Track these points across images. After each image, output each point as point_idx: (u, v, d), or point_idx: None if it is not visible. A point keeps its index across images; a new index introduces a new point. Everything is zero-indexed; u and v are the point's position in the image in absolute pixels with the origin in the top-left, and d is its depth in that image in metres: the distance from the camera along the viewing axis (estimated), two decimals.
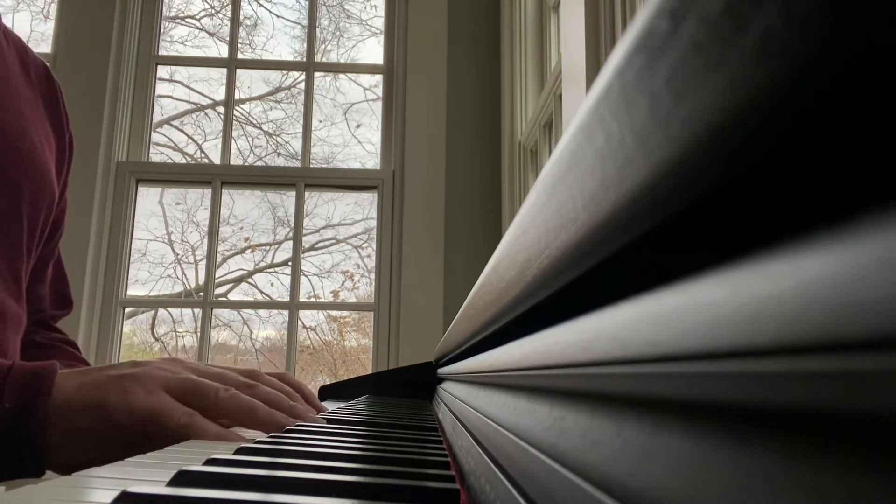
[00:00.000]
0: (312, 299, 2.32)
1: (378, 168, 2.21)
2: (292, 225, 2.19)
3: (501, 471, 0.22)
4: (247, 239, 2.37)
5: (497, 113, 2.10)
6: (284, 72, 2.43)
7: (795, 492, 0.07)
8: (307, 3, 2.38)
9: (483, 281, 0.34)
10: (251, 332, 2.49)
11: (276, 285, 2.42)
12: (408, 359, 1.88)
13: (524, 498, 0.18)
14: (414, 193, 2.06)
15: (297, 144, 2.35)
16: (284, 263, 2.37)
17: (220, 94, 2.35)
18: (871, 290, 0.06)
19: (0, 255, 0.63)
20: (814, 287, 0.07)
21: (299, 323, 2.19)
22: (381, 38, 2.33)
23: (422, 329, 1.97)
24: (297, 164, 2.28)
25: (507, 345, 0.30)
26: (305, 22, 2.37)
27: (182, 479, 0.26)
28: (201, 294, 2.18)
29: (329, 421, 0.57)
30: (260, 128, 2.43)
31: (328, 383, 1.15)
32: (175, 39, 2.41)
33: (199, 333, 2.11)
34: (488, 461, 0.25)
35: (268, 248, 2.42)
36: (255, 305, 2.46)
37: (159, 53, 2.27)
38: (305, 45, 2.35)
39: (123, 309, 2.08)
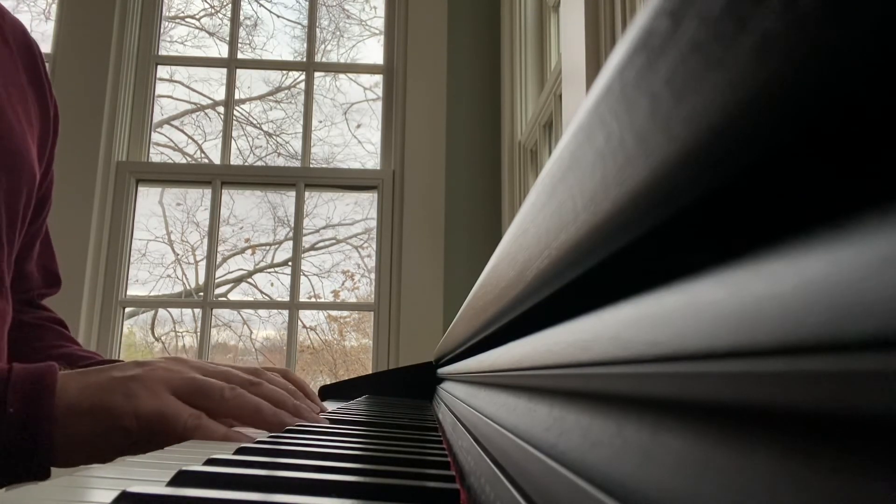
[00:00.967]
0: (312, 299, 2.32)
1: (378, 168, 2.21)
2: (292, 225, 2.19)
3: (501, 471, 0.22)
4: (247, 240, 2.37)
5: (497, 113, 2.10)
6: (284, 72, 2.43)
7: (795, 492, 0.07)
8: (307, 3, 2.38)
9: (483, 281, 0.34)
10: (251, 332, 2.49)
11: (276, 285, 2.42)
12: (408, 359, 1.88)
13: (524, 498, 0.18)
14: (414, 193, 2.06)
15: (297, 144, 2.35)
16: (284, 263, 2.37)
17: (220, 94, 2.35)
18: (871, 290, 0.06)
19: None
20: (814, 287, 0.07)
21: (299, 323, 2.19)
22: (381, 38, 2.33)
23: (422, 329, 1.97)
24: (297, 164, 2.28)
25: (507, 345, 0.30)
26: (305, 22, 2.38)
27: (182, 479, 0.26)
28: (201, 294, 2.18)
29: (329, 421, 0.57)
30: (260, 128, 2.43)
31: (328, 383, 1.15)
32: (175, 39, 2.41)
33: (199, 333, 2.11)
34: (488, 461, 0.25)
35: (268, 248, 2.42)
36: (255, 305, 2.46)
37: (159, 53, 2.27)
38: (305, 45, 2.35)
39: (123, 309, 2.08)
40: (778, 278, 0.08)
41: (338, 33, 2.43)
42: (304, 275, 2.24)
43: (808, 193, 0.09)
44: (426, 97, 2.11)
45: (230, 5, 2.38)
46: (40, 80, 0.70)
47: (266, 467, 0.30)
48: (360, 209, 2.30)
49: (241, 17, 2.38)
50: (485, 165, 2.09)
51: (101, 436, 0.45)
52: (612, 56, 0.12)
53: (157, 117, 2.30)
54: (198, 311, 2.16)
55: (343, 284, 2.37)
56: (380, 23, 2.37)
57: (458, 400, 0.54)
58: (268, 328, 2.49)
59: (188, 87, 2.41)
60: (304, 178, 2.18)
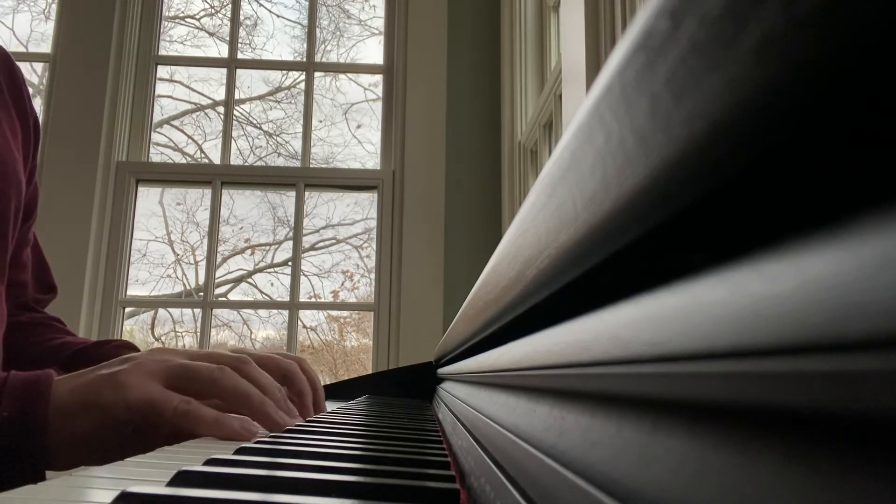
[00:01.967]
0: (312, 299, 2.32)
1: (378, 168, 2.21)
2: (292, 225, 2.19)
3: (501, 471, 0.22)
4: (247, 240, 2.37)
5: (497, 113, 2.10)
6: (284, 72, 2.43)
7: (795, 492, 0.07)
8: (307, 3, 2.38)
9: (483, 281, 0.34)
10: (251, 332, 2.49)
11: (276, 285, 2.42)
12: (408, 359, 1.88)
13: (524, 498, 0.18)
14: (414, 193, 2.06)
15: (297, 144, 2.35)
16: (284, 263, 2.37)
17: (220, 94, 2.35)
18: (871, 290, 0.06)
19: None
20: (814, 287, 0.07)
21: (299, 323, 2.19)
22: (381, 38, 2.33)
23: (422, 329, 1.97)
24: (297, 164, 2.28)
25: (507, 345, 0.30)
26: (305, 22, 2.37)
27: (182, 479, 0.26)
28: (201, 294, 2.18)
29: (329, 421, 0.57)
30: (260, 128, 2.43)
31: (328, 383, 1.15)
32: (175, 39, 2.41)
33: (199, 333, 2.11)
34: (488, 461, 0.25)
35: (268, 248, 2.42)
36: (255, 305, 2.46)
37: (159, 53, 2.27)
38: (305, 45, 2.35)
39: (123, 309, 2.08)
40: (778, 278, 0.08)
41: (338, 33, 2.43)
42: (304, 275, 2.24)
43: (808, 193, 0.09)
44: (426, 97, 2.11)
45: (230, 5, 2.38)
46: (21, 95, 0.72)
47: (266, 467, 0.30)
48: (360, 209, 2.30)
49: (241, 17, 2.38)
50: (485, 165, 2.09)
51: (95, 432, 0.46)
52: (612, 56, 0.12)
53: (157, 117, 2.30)
54: (198, 311, 2.16)
55: (343, 284, 2.37)
56: (380, 23, 2.37)
57: (458, 400, 0.54)
58: (268, 328, 2.49)
59: (188, 87, 2.42)
60: (304, 178, 2.18)
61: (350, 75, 2.40)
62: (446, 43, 2.14)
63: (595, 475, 0.13)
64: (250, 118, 2.42)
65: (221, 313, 2.40)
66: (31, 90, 0.75)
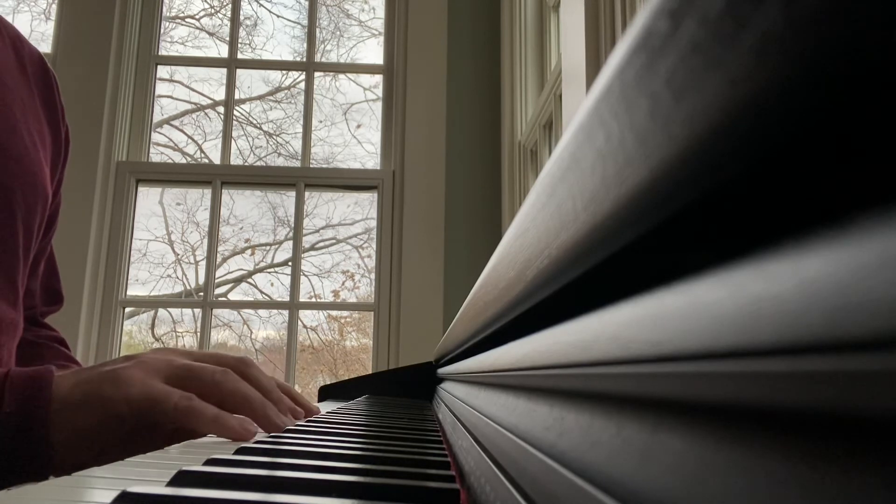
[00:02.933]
0: (312, 299, 2.32)
1: (378, 168, 2.21)
2: (292, 225, 2.19)
3: (501, 471, 0.22)
4: (247, 240, 2.37)
5: (497, 113, 2.10)
6: (284, 72, 2.43)
7: (795, 492, 0.07)
8: (307, 3, 2.38)
9: (483, 281, 0.34)
10: (251, 332, 2.49)
11: (276, 285, 2.42)
12: (408, 359, 1.88)
13: (524, 498, 0.18)
14: (414, 193, 2.06)
15: (297, 144, 2.35)
16: (284, 263, 2.37)
17: (220, 94, 2.35)
18: (871, 290, 0.06)
19: None
20: (814, 287, 0.07)
21: (299, 323, 2.19)
22: (381, 38, 2.33)
23: (422, 329, 1.97)
24: (297, 164, 2.28)
25: (507, 345, 0.30)
26: (305, 22, 2.38)
27: (182, 479, 0.26)
28: (201, 294, 2.18)
29: (329, 421, 0.57)
30: (260, 128, 2.43)
31: (328, 383, 1.15)
32: (175, 39, 2.41)
33: (199, 333, 2.11)
34: (488, 461, 0.25)
35: (268, 248, 2.42)
36: (255, 305, 2.46)
37: (159, 53, 2.27)
38: (305, 45, 2.35)
39: (123, 309, 2.08)
40: (778, 278, 0.08)
41: (337, 33, 2.43)
42: (304, 275, 2.24)
43: (808, 193, 0.09)
44: (426, 97, 2.11)
45: (230, 5, 2.38)
46: (54, 106, 0.74)
47: (266, 467, 0.30)
48: (360, 209, 2.30)
49: (241, 18, 2.38)
50: (485, 165, 2.09)
51: (96, 427, 0.46)
52: (612, 56, 0.12)
53: (157, 117, 2.30)
54: (198, 311, 2.16)
55: (343, 284, 2.37)
56: (379, 24, 2.37)
57: (458, 400, 0.54)
58: (268, 328, 2.49)
59: (188, 87, 2.42)
60: (304, 178, 2.18)
61: (350, 75, 2.40)
62: (446, 43, 2.14)
63: (595, 475, 0.13)
64: (250, 118, 2.42)
65: (221, 313, 2.40)
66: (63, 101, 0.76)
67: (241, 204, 2.31)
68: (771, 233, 0.09)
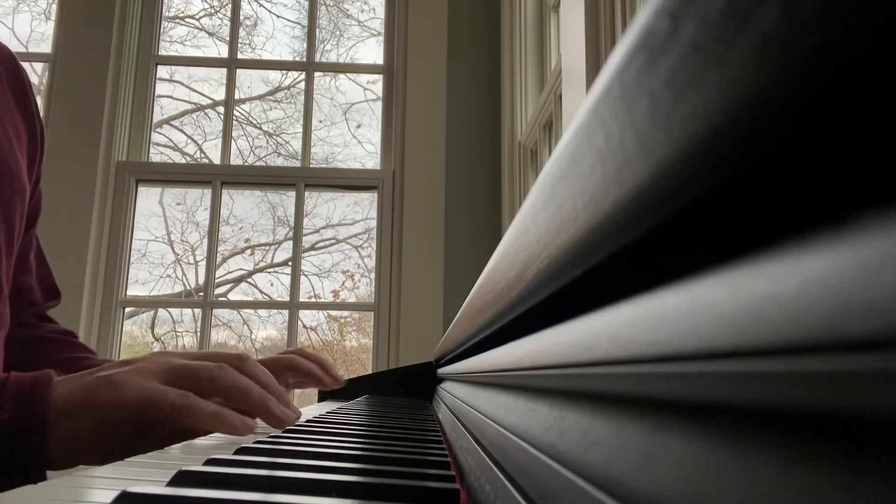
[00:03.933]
0: (312, 299, 2.32)
1: (378, 168, 2.21)
2: (292, 225, 2.19)
3: (501, 471, 0.22)
4: (247, 240, 2.37)
5: (497, 113, 2.10)
6: (284, 72, 2.43)
7: (795, 491, 0.07)
8: (307, 3, 2.38)
9: (483, 281, 0.34)
10: (251, 332, 2.49)
11: (276, 285, 2.42)
12: (408, 359, 1.88)
13: (524, 498, 0.18)
14: (414, 193, 2.06)
15: (296, 144, 2.35)
16: (284, 263, 2.37)
17: (220, 94, 2.35)
18: (871, 290, 0.06)
19: None
20: (814, 287, 0.07)
21: (299, 323, 2.19)
22: (381, 38, 2.33)
23: (422, 329, 1.97)
24: (297, 164, 2.28)
25: (507, 345, 0.30)
26: (305, 22, 2.37)
27: (182, 479, 0.26)
28: (201, 294, 2.18)
29: (329, 421, 0.57)
30: (260, 128, 2.43)
31: None
32: (175, 39, 2.41)
33: (199, 333, 2.11)
34: (488, 461, 0.25)
35: (268, 248, 2.42)
36: (255, 305, 2.46)
37: (159, 53, 2.27)
38: (305, 45, 2.35)
39: (123, 309, 2.08)
40: (778, 278, 0.08)
41: (337, 33, 2.43)
42: (304, 275, 2.24)
43: (808, 193, 0.09)
44: (426, 97, 2.11)
45: (230, 5, 2.38)
46: (27, 102, 0.74)
47: (266, 467, 0.30)
48: (360, 209, 2.30)
49: (241, 17, 2.38)
50: (485, 165, 2.09)
51: (94, 432, 0.46)
52: (612, 56, 0.12)
53: (157, 117, 2.30)
54: (198, 311, 2.16)
55: (343, 284, 2.37)
56: (379, 23, 2.37)
57: (458, 400, 0.54)
58: (268, 328, 2.49)
59: (188, 87, 2.41)
60: (304, 178, 2.18)
61: (350, 75, 2.40)
62: (446, 43, 2.14)
63: (595, 475, 0.13)
64: (250, 118, 2.42)
65: (221, 313, 2.40)
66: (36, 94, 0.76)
67: (241, 204, 2.31)
68: (771, 233, 0.09)
